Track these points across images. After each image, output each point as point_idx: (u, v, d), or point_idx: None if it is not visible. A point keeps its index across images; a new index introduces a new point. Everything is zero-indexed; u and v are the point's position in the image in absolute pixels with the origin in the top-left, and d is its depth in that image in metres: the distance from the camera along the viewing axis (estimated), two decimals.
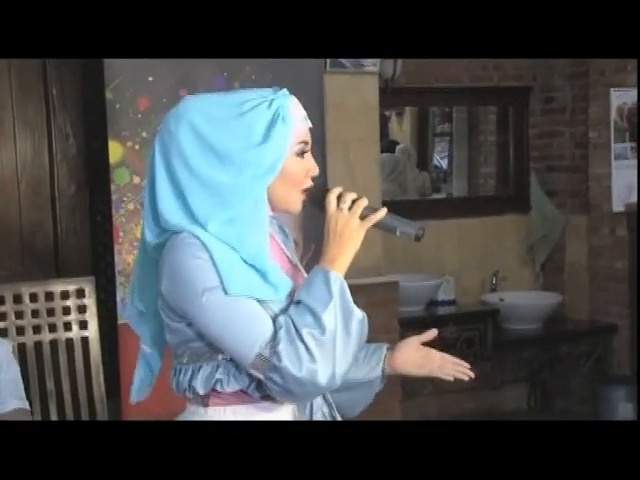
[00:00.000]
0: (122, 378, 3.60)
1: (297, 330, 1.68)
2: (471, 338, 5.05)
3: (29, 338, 3.53)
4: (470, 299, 5.47)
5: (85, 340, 3.58)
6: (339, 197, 1.80)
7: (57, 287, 3.60)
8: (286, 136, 1.76)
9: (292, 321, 1.69)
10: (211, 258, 1.70)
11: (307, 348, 1.67)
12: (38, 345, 3.53)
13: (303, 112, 1.81)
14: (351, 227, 1.79)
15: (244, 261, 1.74)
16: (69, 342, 3.57)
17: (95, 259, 4.13)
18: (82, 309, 3.60)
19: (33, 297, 3.55)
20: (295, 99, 1.81)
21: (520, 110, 5.70)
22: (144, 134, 3.66)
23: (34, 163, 4.07)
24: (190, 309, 1.72)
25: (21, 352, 3.47)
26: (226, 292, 1.69)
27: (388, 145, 5.99)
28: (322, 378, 1.68)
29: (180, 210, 1.76)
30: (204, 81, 3.67)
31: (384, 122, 5.69)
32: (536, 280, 5.75)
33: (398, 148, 6.26)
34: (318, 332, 1.68)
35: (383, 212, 1.81)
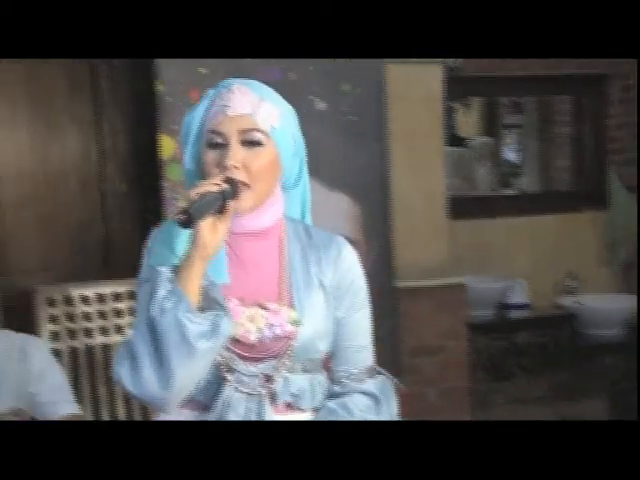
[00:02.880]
0: None
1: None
2: (545, 344, 5.06)
3: (81, 342, 3.65)
4: (544, 302, 5.47)
5: None
6: None
7: (109, 288, 3.72)
8: (188, 126, 1.92)
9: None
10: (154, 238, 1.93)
11: (121, 351, 1.82)
12: (90, 349, 3.65)
13: (229, 101, 1.87)
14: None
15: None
16: None
17: None
18: (135, 311, 3.68)
19: (84, 299, 3.67)
20: (236, 87, 1.90)
21: (597, 99, 5.68)
22: None
23: (83, 159, 4.19)
24: None
25: (72, 356, 3.60)
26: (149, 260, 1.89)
27: (453, 138, 6.02)
28: (129, 385, 1.78)
29: None
30: (259, 72, 3.75)
31: (449, 114, 5.72)
32: (616, 281, 5.72)
33: (473, 143, 6.29)
34: (132, 334, 1.82)
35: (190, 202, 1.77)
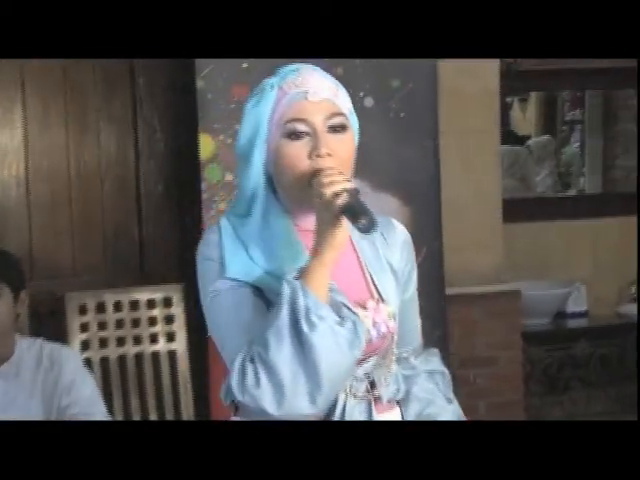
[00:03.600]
0: (212, 396, 3.67)
1: (253, 348, 1.71)
2: (607, 356, 5.01)
3: (112, 351, 3.65)
4: (605, 310, 5.42)
5: (173, 354, 3.69)
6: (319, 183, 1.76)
7: (143, 295, 3.72)
8: (257, 118, 1.82)
9: (257, 337, 1.72)
10: (220, 245, 1.81)
11: (255, 369, 1.69)
12: (122, 359, 3.66)
13: (306, 86, 1.81)
14: (323, 219, 1.74)
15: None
16: (155, 356, 3.69)
17: (184, 265, 4.20)
18: (170, 319, 3.70)
19: (117, 306, 3.68)
20: (306, 71, 1.84)
21: None
22: (237, 126, 3.73)
23: (118, 160, 4.18)
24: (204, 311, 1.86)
25: (104, 366, 3.61)
26: (225, 272, 1.78)
27: (509, 136, 5.97)
28: (269, 406, 1.68)
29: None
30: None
31: (505, 110, 5.67)
32: None
33: (531, 142, 6.23)
34: (264, 351, 1.68)
35: (344, 198, 1.70)
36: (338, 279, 1.82)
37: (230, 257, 1.81)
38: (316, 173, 1.76)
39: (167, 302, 3.69)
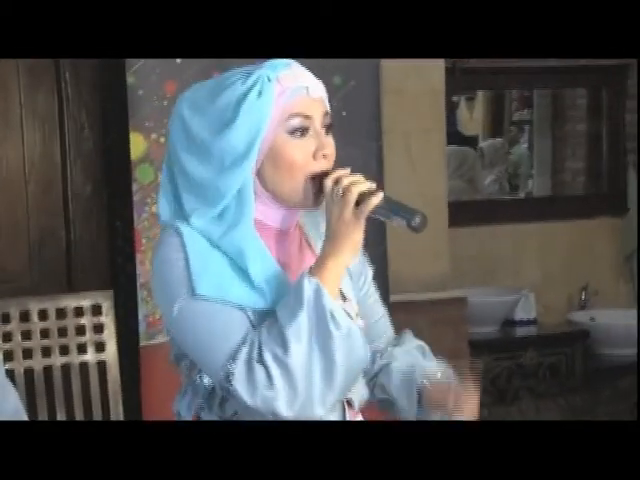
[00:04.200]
0: (144, 408, 3.64)
1: (259, 347, 1.69)
2: (556, 365, 5.05)
3: (37, 362, 3.57)
4: (554, 318, 5.48)
5: (102, 364, 3.63)
6: (337, 182, 1.77)
7: (70, 302, 3.64)
8: (261, 111, 1.77)
9: (259, 336, 1.71)
10: (186, 258, 1.75)
11: (267, 371, 1.68)
12: (48, 370, 3.58)
13: (306, 81, 1.81)
14: (345, 219, 1.75)
15: (231, 262, 1.77)
16: (84, 367, 3.61)
17: (114, 270, 4.17)
18: (99, 328, 3.64)
19: (42, 314, 3.60)
20: (296, 67, 1.83)
21: (616, 93, 5.67)
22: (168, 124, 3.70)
23: (44, 159, 4.12)
24: (165, 320, 1.82)
25: (28, 378, 3.52)
26: (193, 292, 1.73)
27: (455, 136, 5.99)
28: (283, 408, 1.69)
29: (172, 205, 1.85)
30: (241, 62, 3.69)
31: (451, 109, 5.69)
32: (634, 296, 5.70)
33: (483, 145, 6.27)
34: (281, 351, 1.68)
35: (379, 197, 1.74)
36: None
37: (198, 270, 1.75)
38: (327, 174, 1.77)
39: (96, 310, 3.64)
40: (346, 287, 1.92)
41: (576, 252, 5.57)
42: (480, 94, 6.27)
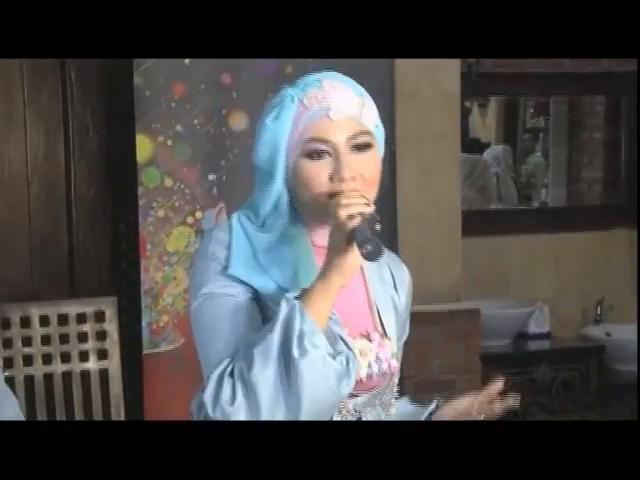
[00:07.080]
0: (147, 417, 3.65)
1: (236, 363, 1.73)
2: (570, 381, 5.03)
3: (38, 369, 3.59)
4: (568, 332, 5.46)
5: (104, 373, 3.64)
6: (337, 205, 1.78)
7: (72, 309, 3.66)
8: (278, 134, 1.83)
9: (243, 350, 1.74)
10: (230, 240, 1.84)
11: (233, 386, 1.71)
12: (48, 377, 3.59)
13: (332, 102, 1.82)
14: (332, 242, 1.76)
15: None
16: (85, 375, 3.63)
17: (117, 276, 4.18)
18: (101, 335, 3.65)
19: (44, 320, 3.62)
20: (329, 84, 1.84)
21: (635, 100, 5.66)
22: (178, 127, 3.72)
23: (47, 160, 4.12)
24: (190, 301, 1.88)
25: (28, 385, 3.54)
26: (226, 269, 1.81)
27: (467, 143, 5.99)
28: None
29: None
30: (251, 64, 3.69)
31: (464, 115, 5.70)
32: None
33: (489, 151, 6.27)
34: (247, 369, 1.70)
35: (354, 221, 1.72)
36: (344, 307, 1.85)
37: (236, 255, 1.82)
38: (336, 194, 1.77)
39: (99, 317, 3.65)
40: (390, 324, 1.96)
41: (592, 264, 5.56)
42: (493, 100, 6.27)
